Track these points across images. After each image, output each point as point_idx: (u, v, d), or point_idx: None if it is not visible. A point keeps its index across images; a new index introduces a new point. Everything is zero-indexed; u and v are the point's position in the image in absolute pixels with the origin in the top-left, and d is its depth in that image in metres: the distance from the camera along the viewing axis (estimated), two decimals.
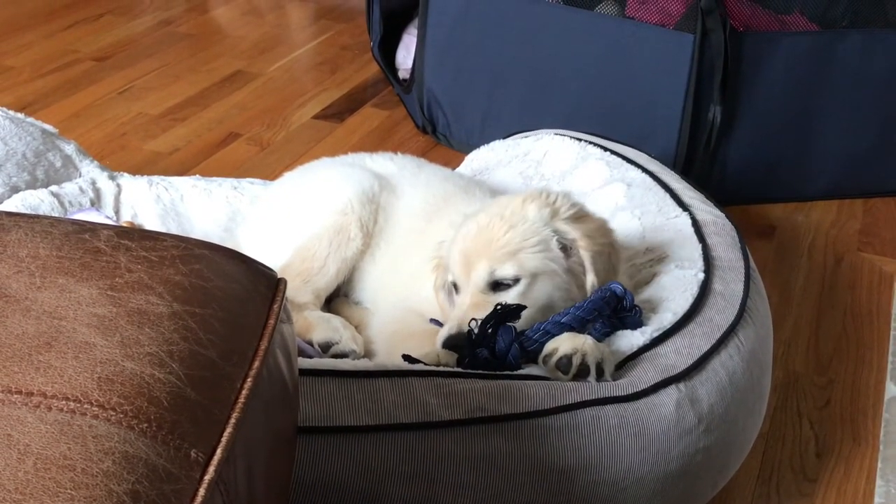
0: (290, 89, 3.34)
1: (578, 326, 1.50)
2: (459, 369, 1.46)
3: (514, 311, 1.50)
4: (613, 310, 1.55)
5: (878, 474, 1.78)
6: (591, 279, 1.57)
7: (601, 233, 1.63)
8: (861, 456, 1.82)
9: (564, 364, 1.42)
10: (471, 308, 1.56)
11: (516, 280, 1.57)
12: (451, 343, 1.53)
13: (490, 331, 1.49)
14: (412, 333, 1.66)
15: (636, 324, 1.56)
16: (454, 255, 1.62)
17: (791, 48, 2.55)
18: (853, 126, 2.67)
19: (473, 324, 1.52)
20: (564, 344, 1.44)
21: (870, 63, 2.60)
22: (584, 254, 1.58)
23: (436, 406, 1.35)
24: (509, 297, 1.56)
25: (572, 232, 1.59)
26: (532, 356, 1.50)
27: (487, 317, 1.50)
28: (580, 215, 1.64)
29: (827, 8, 2.56)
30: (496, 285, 1.58)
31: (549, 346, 1.45)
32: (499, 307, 1.51)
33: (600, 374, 1.43)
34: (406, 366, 1.44)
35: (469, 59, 2.86)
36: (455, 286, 1.63)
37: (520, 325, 1.52)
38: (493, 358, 1.48)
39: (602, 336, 1.53)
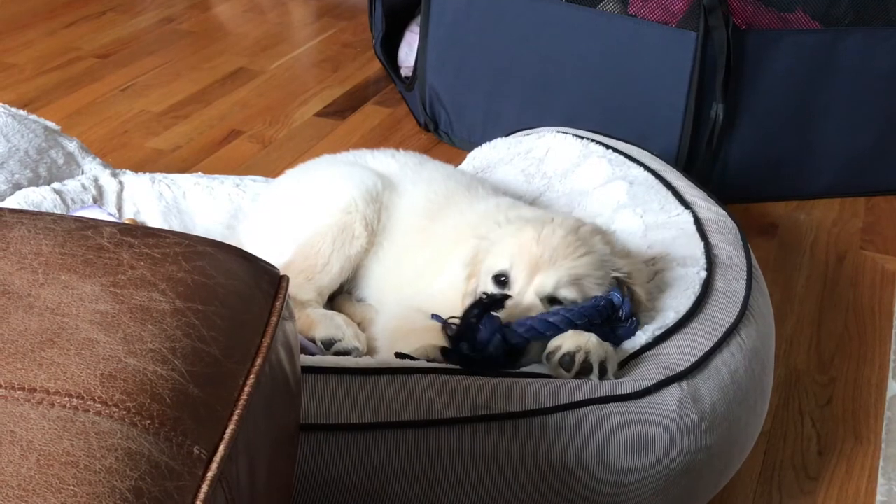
0: (292, 87, 3.34)
1: (565, 327, 1.49)
2: (460, 367, 1.46)
3: (499, 300, 1.50)
4: (606, 319, 1.54)
5: (880, 472, 1.78)
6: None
7: (642, 274, 1.68)
8: (863, 454, 1.83)
9: (567, 362, 1.42)
10: (531, 310, 1.55)
11: (573, 303, 1.57)
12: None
13: (474, 320, 1.48)
14: (413, 329, 1.67)
15: (629, 334, 1.56)
16: (518, 254, 1.60)
17: (793, 46, 2.55)
18: (855, 124, 2.67)
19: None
20: (568, 342, 1.44)
21: (872, 61, 2.60)
22: (637, 289, 1.61)
23: (438, 404, 1.35)
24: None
25: (627, 267, 1.62)
26: (515, 351, 1.50)
27: (472, 304, 1.51)
28: (626, 252, 1.69)
29: (829, 6, 2.56)
30: (553, 299, 1.58)
31: (553, 343, 1.45)
32: (484, 296, 1.51)
33: (603, 373, 1.43)
34: (408, 363, 1.44)
35: (471, 57, 2.86)
36: (504, 278, 1.61)
37: None
38: (473, 351, 1.48)
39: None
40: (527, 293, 1.57)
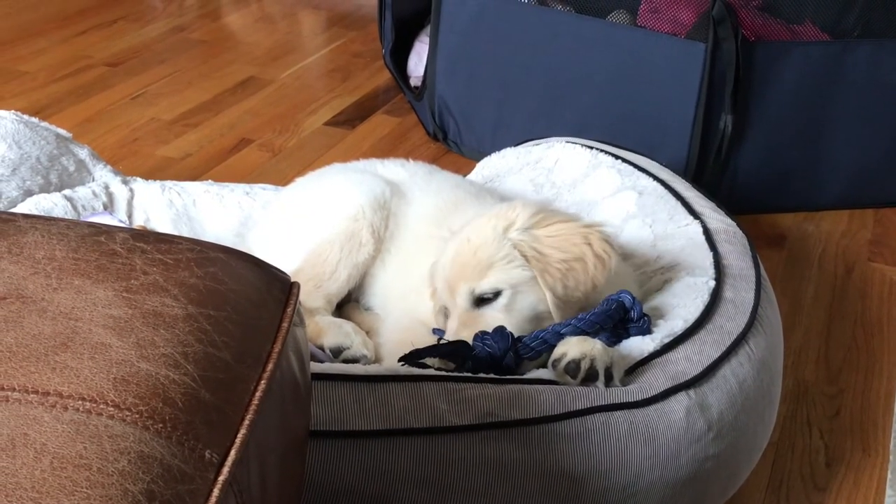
0: (302, 96, 3.35)
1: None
2: (469, 374, 1.46)
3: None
4: (620, 321, 1.55)
5: (888, 484, 1.78)
6: (547, 295, 1.56)
7: (566, 244, 1.59)
8: (871, 466, 1.82)
9: (573, 369, 1.42)
10: (460, 328, 1.58)
11: (497, 293, 1.58)
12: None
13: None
14: (415, 344, 1.67)
15: (643, 332, 1.56)
16: (439, 281, 1.65)
17: (802, 58, 2.55)
18: (864, 136, 2.67)
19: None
20: (573, 348, 1.44)
21: (881, 73, 2.60)
22: (535, 270, 1.57)
23: (446, 411, 1.35)
24: (494, 309, 1.58)
25: (525, 245, 1.58)
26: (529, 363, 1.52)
27: (454, 345, 1.53)
28: (544, 224, 1.61)
29: (838, 18, 2.57)
30: (480, 301, 1.59)
31: (559, 350, 1.45)
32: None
33: (609, 379, 1.43)
34: (417, 371, 1.45)
35: (480, 67, 2.87)
36: (447, 310, 1.66)
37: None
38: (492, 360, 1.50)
39: (611, 342, 1.54)
40: (455, 314, 1.61)
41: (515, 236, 1.58)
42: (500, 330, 1.51)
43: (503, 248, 1.58)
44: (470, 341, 1.52)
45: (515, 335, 1.52)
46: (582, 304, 1.59)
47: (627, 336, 1.56)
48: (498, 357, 1.48)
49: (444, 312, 1.69)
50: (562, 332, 1.50)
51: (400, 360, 1.50)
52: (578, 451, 1.37)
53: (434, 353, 1.51)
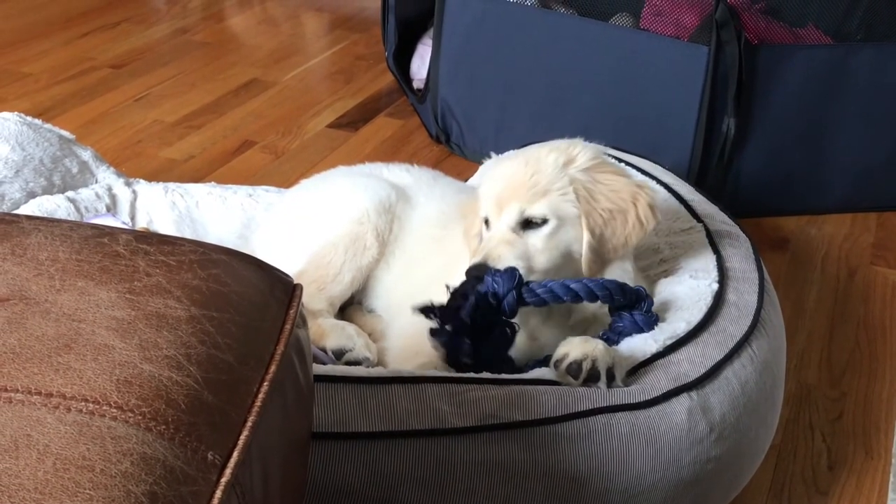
0: (305, 98, 3.35)
1: (585, 296, 1.52)
2: (473, 375, 1.46)
3: (479, 266, 1.56)
4: (630, 303, 1.55)
5: (891, 488, 1.78)
6: (585, 237, 1.61)
7: (615, 196, 1.64)
8: (873, 469, 1.82)
9: (575, 369, 1.42)
10: (500, 243, 1.61)
11: (544, 221, 1.61)
12: (473, 272, 1.56)
13: (462, 299, 1.52)
14: (419, 352, 1.66)
15: (647, 323, 1.56)
16: (485, 196, 1.68)
17: (805, 61, 2.56)
18: (867, 139, 2.67)
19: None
20: (575, 349, 1.44)
21: (883, 77, 2.61)
22: (582, 209, 1.61)
23: (448, 413, 1.36)
24: (538, 237, 1.61)
25: (579, 184, 1.63)
26: (506, 339, 1.54)
27: (463, 283, 1.54)
28: (601, 170, 1.67)
29: (841, 22, 2.57)
30: (526, 224, 1.62)
31: (560, 350, 1.46)
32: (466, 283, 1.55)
33: (611, 379, 1.43)
34: (419, 373, 1.45)
35: (483, 70, 2.88)
36: (487, 223, 1.67)
37: (540, 265, 1.60)
38: (474, 352, 1.51)
39: (616, 337, 1.54)
40: (498, 228, 1.62)
41: (574, 173, 1.63)
42: (511, 271, 1.53)
43: (561, 179, 1.63)
44: (506, 257, 1.57)
45: (543, 267, 1.59)
46: (606, 263, 1.64)
47: (633, 324, 1.56)
48: (500, 296, 1.49)
49: (480, 237, 1.70)
50: (572, 286, 1.52)
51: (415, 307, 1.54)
52: (580, 452, 1.37)
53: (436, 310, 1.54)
